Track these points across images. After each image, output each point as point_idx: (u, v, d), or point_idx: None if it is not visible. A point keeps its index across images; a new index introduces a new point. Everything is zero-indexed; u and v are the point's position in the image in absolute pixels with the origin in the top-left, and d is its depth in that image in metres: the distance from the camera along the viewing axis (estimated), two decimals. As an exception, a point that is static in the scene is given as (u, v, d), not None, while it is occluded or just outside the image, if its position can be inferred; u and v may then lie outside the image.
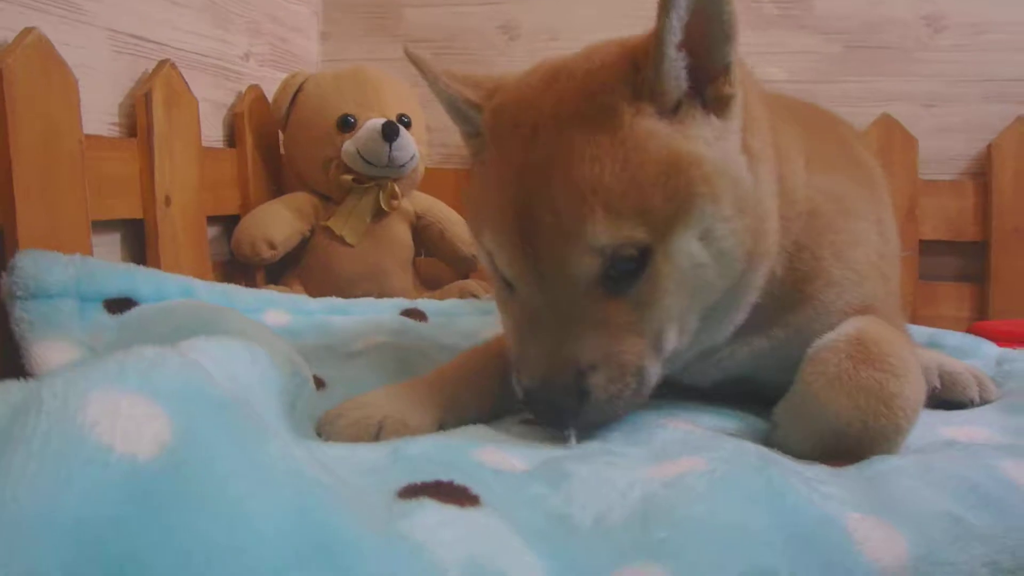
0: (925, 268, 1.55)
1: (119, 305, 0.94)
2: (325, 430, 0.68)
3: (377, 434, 0.67)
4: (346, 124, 1.41)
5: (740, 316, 0.71)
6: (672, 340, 0.66)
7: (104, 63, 1.15)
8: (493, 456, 0.61)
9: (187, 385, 0.44)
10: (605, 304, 0.63)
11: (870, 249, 0.78)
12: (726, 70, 0.64)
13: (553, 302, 0.64)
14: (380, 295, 1.38)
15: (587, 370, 0.63)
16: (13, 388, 0.41)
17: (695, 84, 0.65)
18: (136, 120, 1.18)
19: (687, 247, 0.63)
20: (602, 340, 0.63)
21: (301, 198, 1.46)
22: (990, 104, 1.52)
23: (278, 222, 1.40)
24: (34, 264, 0.89)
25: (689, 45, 0.63)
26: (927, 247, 1.55)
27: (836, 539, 0.48)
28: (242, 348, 0.62)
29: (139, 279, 0.99)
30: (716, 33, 0.63)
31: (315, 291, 1.37)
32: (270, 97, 1.52)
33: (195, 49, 1.36)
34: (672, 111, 0.64)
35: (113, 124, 1.18)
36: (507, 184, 0.65)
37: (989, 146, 1.51)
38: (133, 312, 0.92)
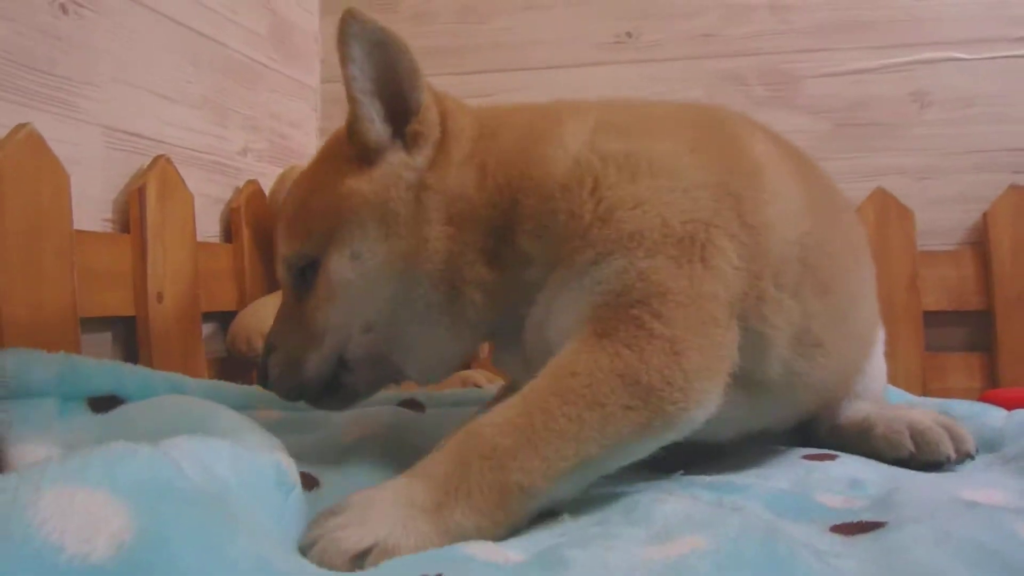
0: (931, 339, 1.52)
1: (104, 403, 0.90)
2: (308, 554, 0.57)
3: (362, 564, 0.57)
4: (340, 214, 1.41)
5: (433, 328, 0.78)
6: (334, 343, 0.80)
7: (98, 159, 1.16)
8: (486, 550, 0.57)
9: (154, 479, 0.41)
10: (296, 305, 0.81)
11: (668, 212, 0.68)
12: (416, 111, 0.76)
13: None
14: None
15: (270, 351, 0.83)
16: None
17: (398, 125, 0.77)
18: (130, 215, 1.19)
19: (338, 263, 0.77)
20: (283, 331, 0.82)
21: (296, 290, 1.45)
22: (981, 174, 1.53)
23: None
24: (16, 363, 0.86)
25: (382, 93, 0.75)
26: (931, 318, 1.52)
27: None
28: (225, 448, 0.58)
29: (125, 376, 0.96)
30: (402, 81, 0.75)
31: (310, 383, 1.33)
32: (267, 192, 1.54)
33: (192, 145, 1.37)
34: (368, 148, 0.76)
35: (107, 219, 1.18)
36: None
37: (984, 215, 1.51)
38: (118, 410, 0.89)
